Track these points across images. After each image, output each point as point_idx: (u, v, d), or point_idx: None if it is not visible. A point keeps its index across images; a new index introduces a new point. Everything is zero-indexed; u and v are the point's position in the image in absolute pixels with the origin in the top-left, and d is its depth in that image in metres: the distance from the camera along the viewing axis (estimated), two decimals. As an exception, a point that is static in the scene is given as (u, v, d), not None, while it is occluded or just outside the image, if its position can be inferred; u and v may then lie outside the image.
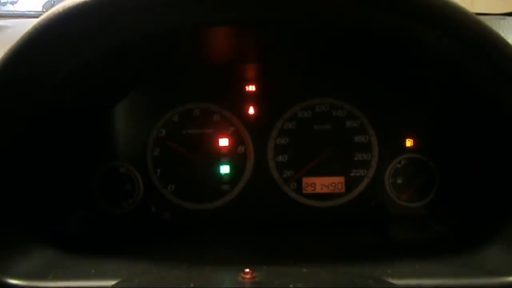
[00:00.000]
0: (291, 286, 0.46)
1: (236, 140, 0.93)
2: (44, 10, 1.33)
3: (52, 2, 1.37)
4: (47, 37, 0.50)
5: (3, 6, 2.03)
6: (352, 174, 0.92)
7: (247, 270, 0.49)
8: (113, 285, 0.52)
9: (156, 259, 0.67)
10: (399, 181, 0.92)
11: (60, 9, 0.48)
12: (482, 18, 0.53)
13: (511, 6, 1.04)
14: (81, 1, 0.46)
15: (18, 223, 0.66)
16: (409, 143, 0.92)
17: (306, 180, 0.92)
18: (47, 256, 0.66)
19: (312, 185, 0.92)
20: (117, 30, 0.54)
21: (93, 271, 0.61)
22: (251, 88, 0.93)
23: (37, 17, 0.52)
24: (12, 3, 2.13)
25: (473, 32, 0.52)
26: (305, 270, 0.52)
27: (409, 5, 0.51)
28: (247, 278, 0.48)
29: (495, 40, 0.52)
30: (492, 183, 0.71)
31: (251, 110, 0.93)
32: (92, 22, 0.49)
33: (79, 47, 0.54)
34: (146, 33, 0.56)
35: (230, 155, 0.93)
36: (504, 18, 0.96)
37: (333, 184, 0.92)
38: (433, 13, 0.52)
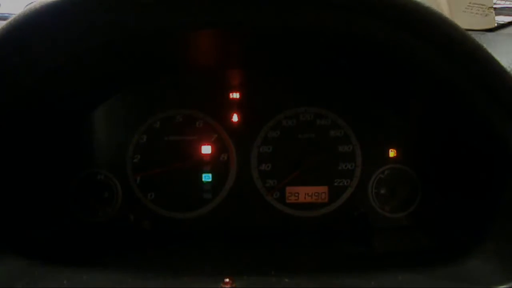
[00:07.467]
0: (271, 296, 0.45)
1: (219, 148, 0.91)
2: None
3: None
4: (18, 39, 0.48)
5: (-14, 9, 1.99)
6: (335, 184, 0.91)
7: (227, 280, 0.47)
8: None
9: (133, 269, 0.65)
10: (382, 191, 0.91)
11: (31, 8, 0.46)
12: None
13: (491, 22, 1.06)
14: (51, 1, 0.45)
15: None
16: (392, 153, 0.92)
17: (289, 190, 0.91)
18: (18, 265, 0.63)
19: (296, 194, 0.91)
20: (91, 31, 0.52)
21: (65, 281, 0.59)
22: (235, 95, 0.92)
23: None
24: (-5, 6, 2.08)
25: (456, 44, 0.53)
26: (286, 280, 0.51)
27: (395, 15, 0.51)
28: (227, 288, 0.47)
29: (477, 51, 0.53)
30: (474, 193, 0.71)
31: (235, 118, 0.92)
32: (63, 22, 0.47)
33: (51, 48, 0.52)
34: (116, 36, 0.54)
35: (212, 163, 0.91)
36: (484, 34, 0.98)
37: (317, 194, 0.91)
38: (417, 22, 0.52)
